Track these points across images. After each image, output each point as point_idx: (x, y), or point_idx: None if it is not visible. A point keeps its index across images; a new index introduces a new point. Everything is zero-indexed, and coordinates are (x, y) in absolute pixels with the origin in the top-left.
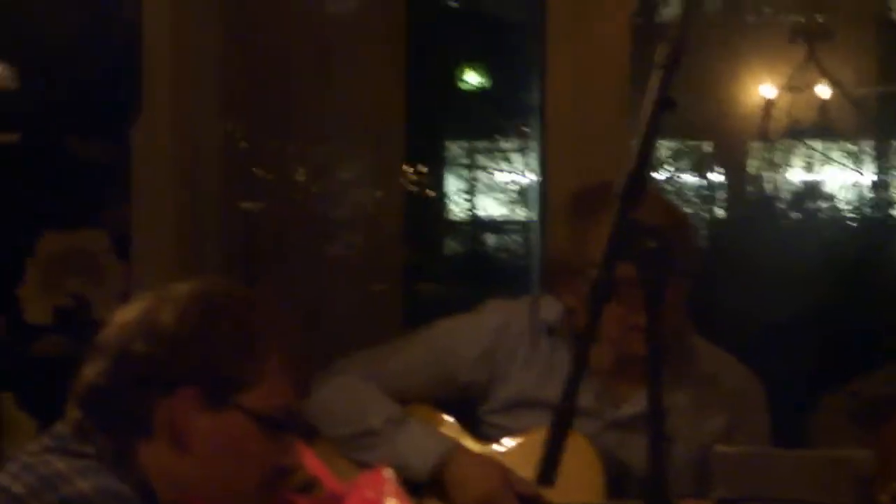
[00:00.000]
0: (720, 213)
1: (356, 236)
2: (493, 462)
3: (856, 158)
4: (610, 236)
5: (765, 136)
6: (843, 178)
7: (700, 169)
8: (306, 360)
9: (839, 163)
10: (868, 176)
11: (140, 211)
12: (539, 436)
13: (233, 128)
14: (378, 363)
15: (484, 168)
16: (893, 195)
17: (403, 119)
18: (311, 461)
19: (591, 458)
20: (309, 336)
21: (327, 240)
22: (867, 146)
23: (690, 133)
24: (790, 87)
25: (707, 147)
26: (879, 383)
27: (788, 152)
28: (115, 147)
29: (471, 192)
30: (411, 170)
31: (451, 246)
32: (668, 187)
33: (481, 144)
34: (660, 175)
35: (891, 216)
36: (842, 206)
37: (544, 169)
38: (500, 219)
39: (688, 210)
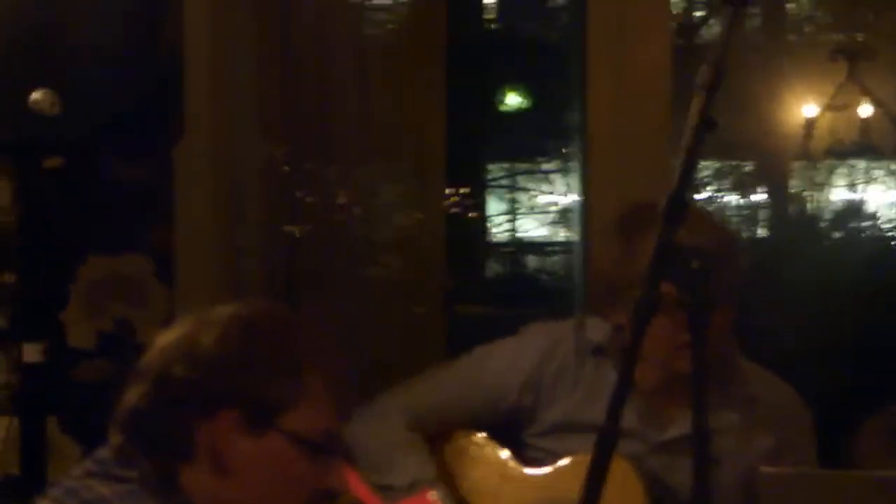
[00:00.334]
0: (762, 232)
1: (398, 259)
2: None
3: None
4: (653, 256)
5: (806, 155)
6: (886, 197)
7: (741, 189)
8: (348, 382)
9: (881, 181)
10: None
11: (183, 234)
12: (584, 459)
13: (274, 150)
14: (421, 394)
15: (525, 189)
16: None
17: (444, 141)
18: (356, 483)
19: (635, 482)
20: (351, 359)
21: (369, 262)
22: None
23: (732, 153)
24: (831, 107)
25: (748, 167)
26: None
27: (830, 171)
28: (157, 170)
29: (512, 213)
30: (453, 192)
31: (493, 268)
32: (710, 207)
33: (522, 166)
34: (701, 195)
35: None
36: (884, 224)
37: (586, 189)
38: (542, 240)
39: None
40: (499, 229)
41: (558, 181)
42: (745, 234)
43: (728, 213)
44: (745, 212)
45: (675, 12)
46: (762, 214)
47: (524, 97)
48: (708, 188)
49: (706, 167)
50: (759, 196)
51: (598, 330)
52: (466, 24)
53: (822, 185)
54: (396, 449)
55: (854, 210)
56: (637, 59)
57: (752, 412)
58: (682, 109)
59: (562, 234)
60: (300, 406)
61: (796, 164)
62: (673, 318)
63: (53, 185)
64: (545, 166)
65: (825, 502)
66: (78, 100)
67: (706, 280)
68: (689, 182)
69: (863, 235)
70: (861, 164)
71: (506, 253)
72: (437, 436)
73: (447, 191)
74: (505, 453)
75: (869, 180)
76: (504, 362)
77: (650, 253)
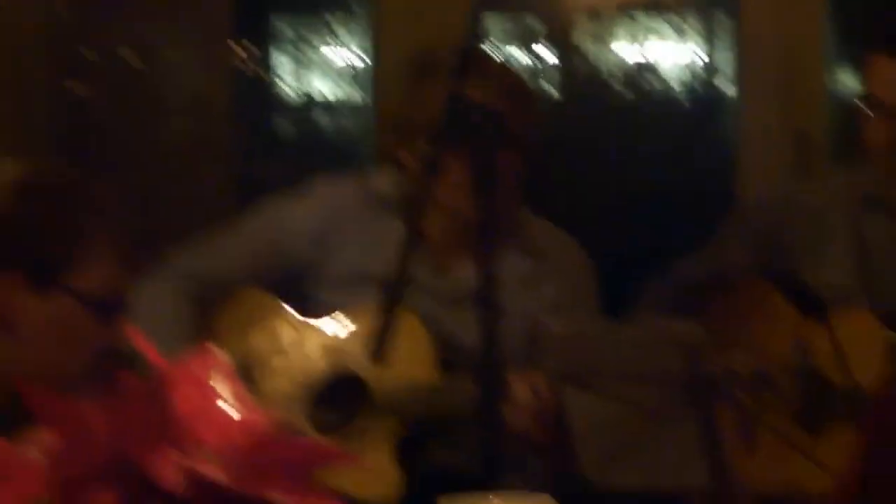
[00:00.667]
0: (550, 89)
1: (186, 119)
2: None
3: (686, 34)
4: (441, 111)
5: (595, 10)
6: (675, 56)
7: (527, 44)
8: (134, 243)
9: (669, 38)
10: (698, 53)
11: None
12: (372, 312)
13: (57, 3)
14: (207, 253)
15: (315, 46)
16: (722, 72)
17: None
18: (139, 341)
19: (423, 334)
20: (137, 219)
21: (156, 122)
22: (696, 20)
23: (521, 6)
24: None
25: (534, 22)
26: (699, 264)
27: (617, 27)
28: None
29: (303, 71)
30: (239, 48)
31: (284, 127)
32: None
33: (311, 22)
34: (490, 49)
35: (720, 93)
36: (672, 83)
37: (376, 46)
38: (333, 99)
39: None
40: (288, 88)
41: (348, 38)
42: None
43: (516, 69)
44: (532, 68)
45: None
46: (550, 72)
47: None
48: (494, 41)
49: (492, 19)
50: (546, 52)
51: (383, 181)
52: None
53: (610, 42)
54: (166, 317)
55: (644, 69)
56: None
57: (537, 262)
58: None
59: (352, 93)
60: (84, 265)
61: (584, 20)
62: (458, 166)
63: None
64: (335, 22)
65: (609, 355)
66: None
67: (495, 129)
68: (476, 36)
69: (652, 94)
70: (651, 20)
71: (296, 112)
72: (223, 294)
73: (234, 46)
74: (291, 310)
75: (660, 37)
76: (289, 216)
77: (439, 96)
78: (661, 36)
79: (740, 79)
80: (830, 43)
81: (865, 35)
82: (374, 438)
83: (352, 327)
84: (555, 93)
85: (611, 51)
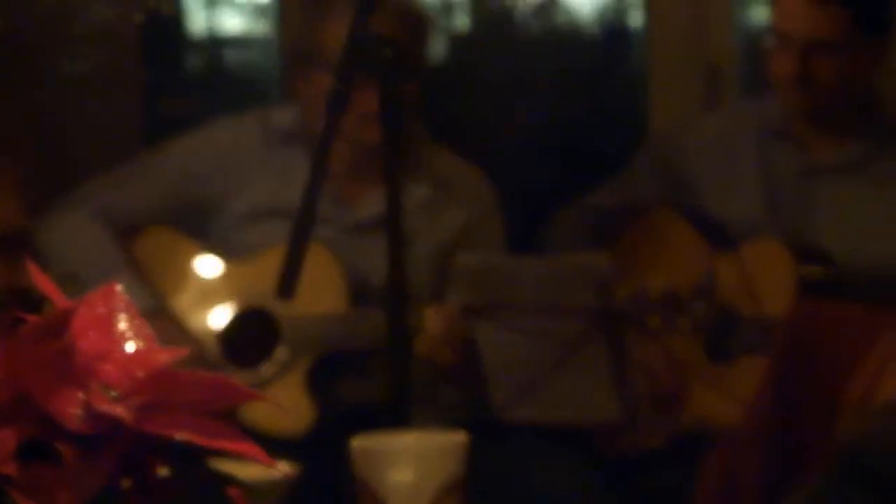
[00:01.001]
0: (458, 24)
1: (93, 52)
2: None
3: None
4: (344, 47)
5: None
6: None
7: None
8: (40, 179)
9: None
10: None
11: None
12: (280, 248)
13: None
14: (112, 189)
15: None
16: (630, 3)
17: None
18: (41, 280)
19: (332, 266)
20: (45, 155)
21: (63, 56)
22: None
23: None
24: None
25: None
26: (608, 195)
27: None
28: None
29: (210, 5)
30: None
31: (191, 62)
32: None
33: None
34: None
35: (629, 25)
36: (581, 15)
37: None
38: (240, 33)
39: None
40: (196, 22)
41: None
42: (440, 25)
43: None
44: (439, 4)
45: None
46: (459, 5)
47: None
48: None
49: None
50: None
51: (285, 116)
52: None
53: None
54: (85, 240)
55: (551, 4)
56: None
57: (441, 190)
58: None
59: (260, 28)
60: None
61: None
62: (361, 97)
63: None
64: None
65: (518, 286)
66: None
67: (398, 59)
68: None
69: (560, 26)
70: None
71: (204, 46)
72: (129, 232)
73: None
74: (197, 246)
75: None
76: (189, 153)
77: (340, 29)
78: None
79: (649, 10)
80: None
81: None
82: (286, 373)
83: (261, 263)
84: (465, 25)
85: None
